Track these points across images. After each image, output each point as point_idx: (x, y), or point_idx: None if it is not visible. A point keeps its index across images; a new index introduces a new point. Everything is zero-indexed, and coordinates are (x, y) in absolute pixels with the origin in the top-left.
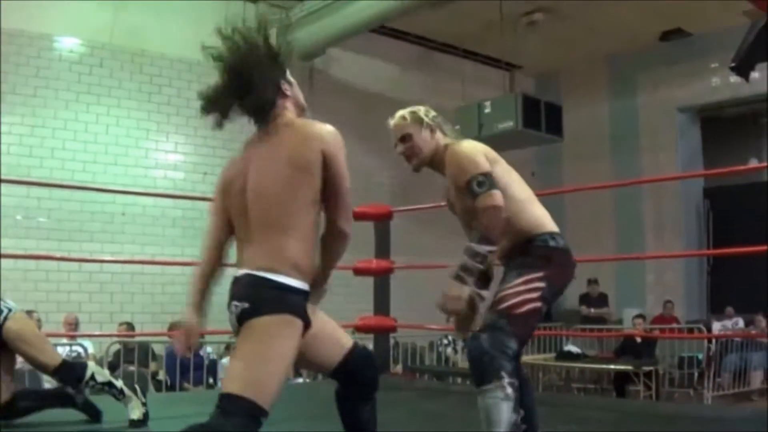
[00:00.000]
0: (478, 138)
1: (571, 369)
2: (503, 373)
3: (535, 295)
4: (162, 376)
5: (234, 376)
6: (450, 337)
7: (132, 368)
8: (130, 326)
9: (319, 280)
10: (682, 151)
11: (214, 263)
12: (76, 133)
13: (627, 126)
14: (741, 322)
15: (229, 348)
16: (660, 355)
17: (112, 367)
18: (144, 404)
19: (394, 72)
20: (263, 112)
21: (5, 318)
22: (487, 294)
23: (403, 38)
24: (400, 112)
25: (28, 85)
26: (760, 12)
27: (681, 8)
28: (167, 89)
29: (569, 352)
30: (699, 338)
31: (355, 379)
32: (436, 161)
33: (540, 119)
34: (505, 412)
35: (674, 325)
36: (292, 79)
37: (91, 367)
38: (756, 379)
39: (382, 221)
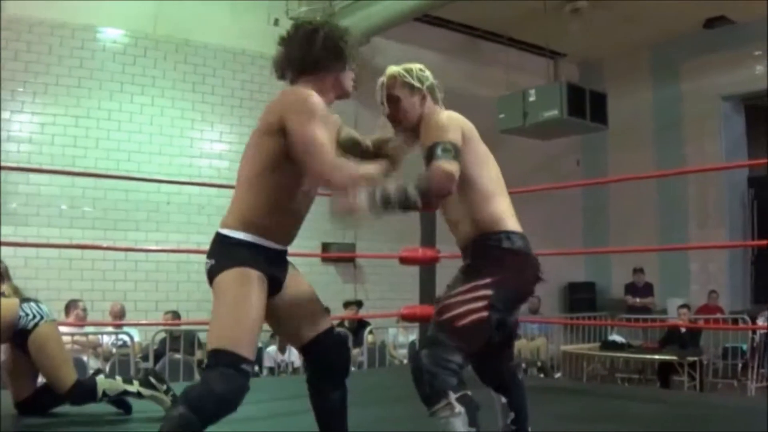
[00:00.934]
0: (524, 127)
1: (616, 359)
2: (448, 391)
3: (479, 304)
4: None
5: (209, 335)
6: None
7: (178, 356)
8: (175, 314)
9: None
10: (726, 140)
11: None
12: (121, 123)
13: (671, 114)
14: None
15: (274, 336)
16: (704, 345)
17: (158, 355)
18: (168, 391)
19: (438, 60)
20: (294, 69)
21: (36, 324)
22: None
23: (447, 26)
24: (391, 70)
25: (72, 76)
26: None
27: None
28: (211, 79)
29: (614, 342)
30: (743, 329)
31: (326, 361)
32: (419, 130)
33: (585, 107)
34: (459, 428)
35: (718, 315)
36: (348, 68)
37: (102, 383)
38: None
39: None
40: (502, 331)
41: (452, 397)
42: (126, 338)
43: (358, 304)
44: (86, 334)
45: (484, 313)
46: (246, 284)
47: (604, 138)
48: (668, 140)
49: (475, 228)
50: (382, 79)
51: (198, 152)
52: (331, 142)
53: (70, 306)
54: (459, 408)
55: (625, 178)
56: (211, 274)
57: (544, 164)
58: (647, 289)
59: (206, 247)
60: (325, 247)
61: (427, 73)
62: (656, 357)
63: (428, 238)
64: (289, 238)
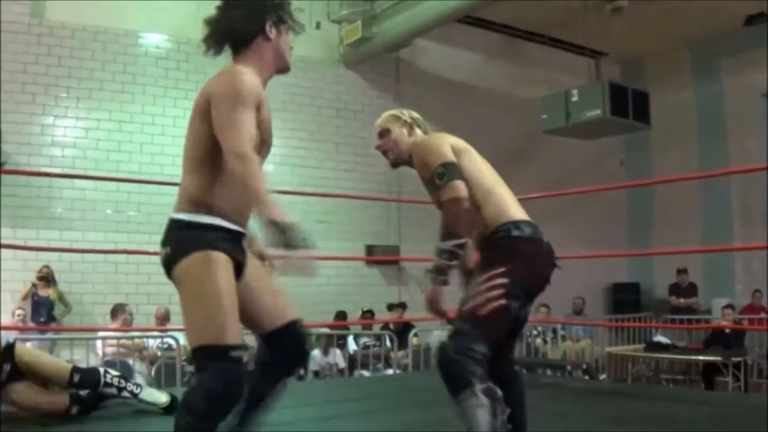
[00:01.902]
0: (567, 127)
1: (660, 360)
2: (473, 380)
3: (497, 292)
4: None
5: (187, 333)
6: (539, 328)
7: None
8: None
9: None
10: None
11: None
12: (165, 128)
13: (713, 112)
14: None
15: (318, 339)
16: (749, 346)
17: None
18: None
19: (480, 61)
20: (233, 43)
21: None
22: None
23: (488, 27)
24: (383, 114)
25: (116, 81)
26: None
27: None
28: None
29: (659, 343)
30: None
31: (286, 352)
32: (412, 158)
33: (627, 106)
34: (482, 418)
35: (763, 315)
36: (285, 28)
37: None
38: None
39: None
40: (512, 322)
41: (477, 386)
42: (171, 341)
43: (403, 306)
44: (132, 338)
45: (503, 301)
46: (212, 267)
47: (647, 137)
48: (711, 138)
49: (484, 224)
50: (377, 121)
51: None
52: (258, 126)
53: (117, 310)
54: (483, 399)
55: (666, 180)
56: (169, 264)
57: (587, 164)
58: (691, 290)
59: None
60: (370, 249)
61: (414, 113)
62: (701, 358)
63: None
64: (244, 219)
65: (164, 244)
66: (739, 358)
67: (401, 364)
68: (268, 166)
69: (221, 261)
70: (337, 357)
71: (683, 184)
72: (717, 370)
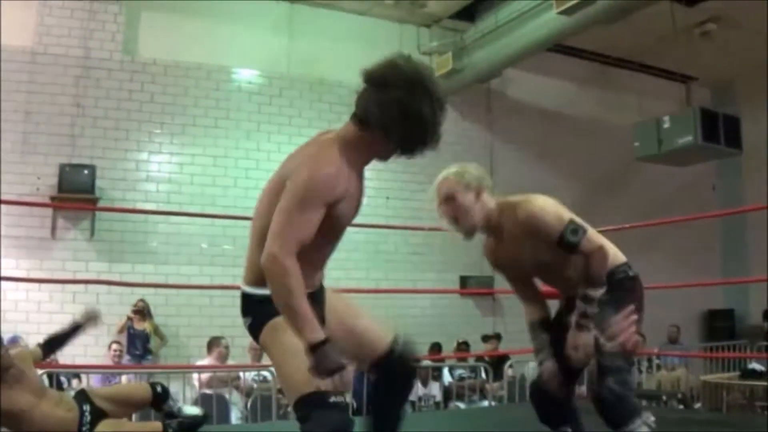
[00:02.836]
0: (659, 154)
1: (756, 388)
2: (641, 410)
3: (635, 327)
4: (348, 399)
5: (286, 394)
6: (635, 358)
7: None
8: None
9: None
10: None
11: None
12: (259, 162)
13: None
14: None
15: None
16: None
17: None
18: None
19: (571, 90)
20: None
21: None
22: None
23: (578, 55)
24: (445, 172)
25: (209, 117)
26: None
27: None
28: (346, 117)
29: (753, 370)
30: None
31: (393, 374)
32: (492, 224)
33: (719, 132)
34: None
35: None
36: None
37: None
38: None
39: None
40: None
41: (644, 414)
42: (267, 374)
43: (498, 337)
44: (228, 370)
45: (639, 337)
46: (288, 330)
47: (739, 162)
48: None
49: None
50: (437, 180)
51: None
52: (332, 221)
53: (212, 343)
54: (650, 426)
55: (756, 208)
56: (254, 332)
57: (679, 191)
58: None
59: (346, 282)
60: (464, 280)
61: (480, 170)
62: None
63: None
64: (310, 284)
65: (244, 314)
66: None
67: (497, 396)
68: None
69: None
70: (434, 389)
71: None
72: None
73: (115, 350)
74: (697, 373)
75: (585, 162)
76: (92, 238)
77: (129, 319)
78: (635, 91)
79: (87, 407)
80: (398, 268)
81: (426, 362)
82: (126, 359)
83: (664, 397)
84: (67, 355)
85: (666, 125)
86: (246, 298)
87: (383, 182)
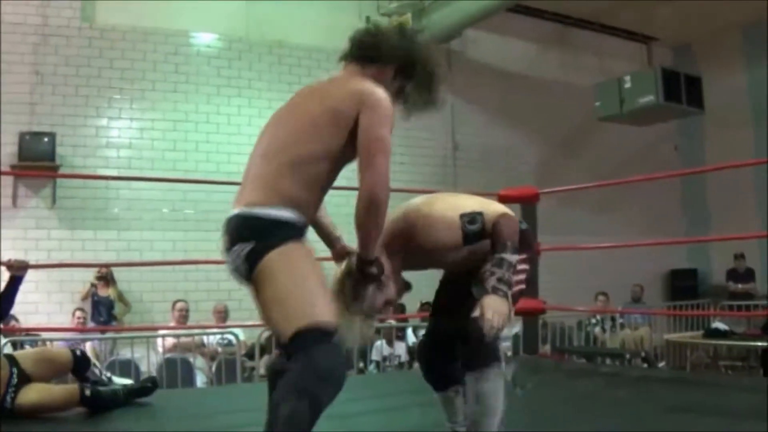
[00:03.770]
0: (621, 114)
1: (719, 346)
2: (500, 355)
3: (521, 277)
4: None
5: (281, 318)
6: (598, 317)
7: None
8: None
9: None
10: None
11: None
12: (219, 126)
13: (766, 95)
14: None
15: (379, 331)
16: None
17: (264, 352)
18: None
19: (532, 50)
20: (369, 57)
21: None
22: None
23: (539, 16)
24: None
25: (168, 81)
26: None
27: None
28: (306, 79)
29: (717, 330)
30: None
31: None
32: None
33: (680, 92)
34: (501, 398)
35: None
36: (403, 85)
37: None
38: None
39: (528, 204)
40: None
41: (502, 364)
42: (231, 338)
43: None
44: (192, 335)
45: (524, 286)
46: (306, 256)
47: (700, 122)
48: (765, 122)
49: None
50: None
51: None
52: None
53: (173, 307)
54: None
55: (719, 167)
56: (254, 257)
57: (641, 151)
58: (749, 275)
59: (312, 245)
60: None
61: None
62: (759, 344)
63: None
64: (310, 218)
65: (244, 239)
66: None
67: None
68: None
69: (311, 252)
70: (399, 348)
71: (738, 170)
72: None
73: (79, 317)
74: (660, 332)
75: (547, 122)
76: (54, 205)
77: (93, 285)
78: (596, 52)
79: (15, 370)
80: None
81: (390, 322)
82: (90, 326)
83: (628, 356)
84: (31, 323)
85: (627, 85)
86: (253, 221)
87: None
